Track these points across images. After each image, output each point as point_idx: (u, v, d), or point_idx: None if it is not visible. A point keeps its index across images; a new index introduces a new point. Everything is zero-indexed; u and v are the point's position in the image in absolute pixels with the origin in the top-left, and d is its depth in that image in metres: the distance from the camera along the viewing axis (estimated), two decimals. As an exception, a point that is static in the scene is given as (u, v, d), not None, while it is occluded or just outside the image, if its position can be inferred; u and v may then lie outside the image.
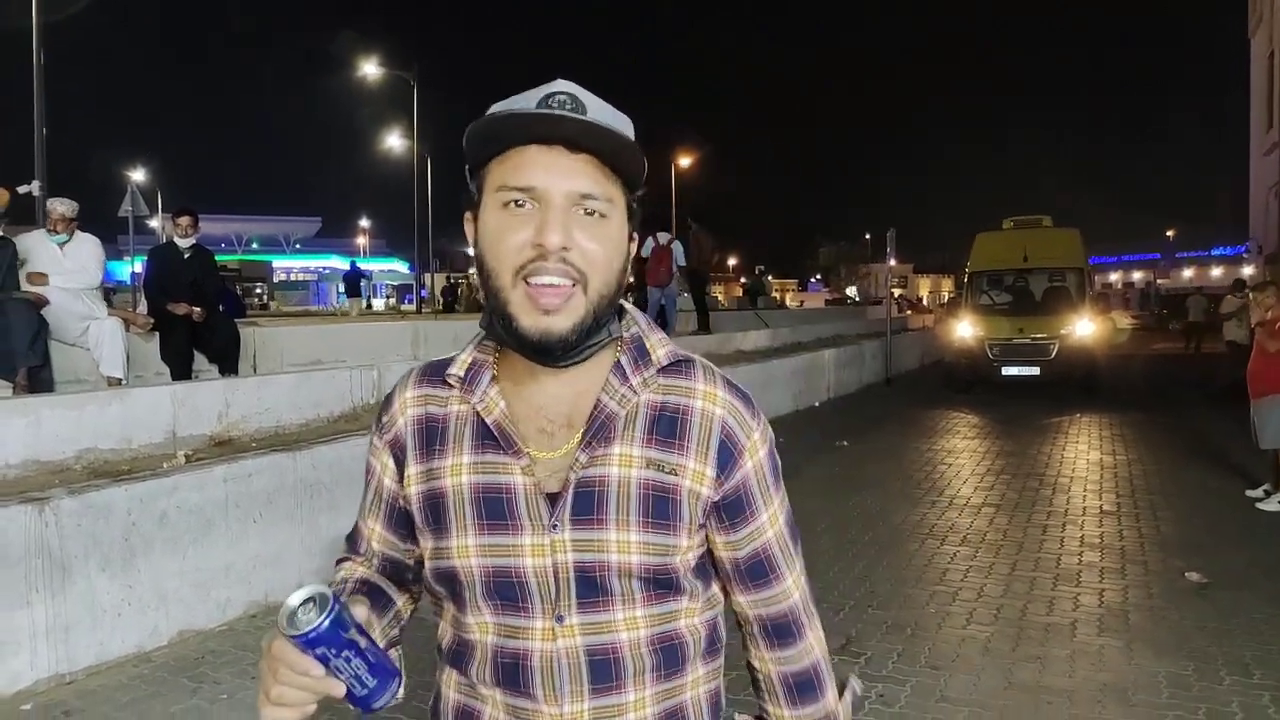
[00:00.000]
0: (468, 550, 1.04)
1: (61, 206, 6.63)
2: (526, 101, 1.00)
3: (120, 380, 6.43)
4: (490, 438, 1.06)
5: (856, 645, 4.31)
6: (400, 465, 1.12)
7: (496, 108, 1.02)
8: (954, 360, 15.30)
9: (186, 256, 7.70)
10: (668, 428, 1.06)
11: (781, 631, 1.16)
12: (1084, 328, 13.87)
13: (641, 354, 1.08)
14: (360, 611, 0.95)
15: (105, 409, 5.19)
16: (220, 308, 8.01)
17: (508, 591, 1.04)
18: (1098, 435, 10.52)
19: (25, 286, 6.18)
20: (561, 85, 1.01)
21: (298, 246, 71.39)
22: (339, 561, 1.24)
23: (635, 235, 1.08)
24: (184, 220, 7.82)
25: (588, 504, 1.02)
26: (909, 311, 35.84)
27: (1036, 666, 4.05)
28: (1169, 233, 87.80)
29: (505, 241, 0.98)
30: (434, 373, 1.15)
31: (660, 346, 1.10)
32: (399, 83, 31.55)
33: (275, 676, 0.90)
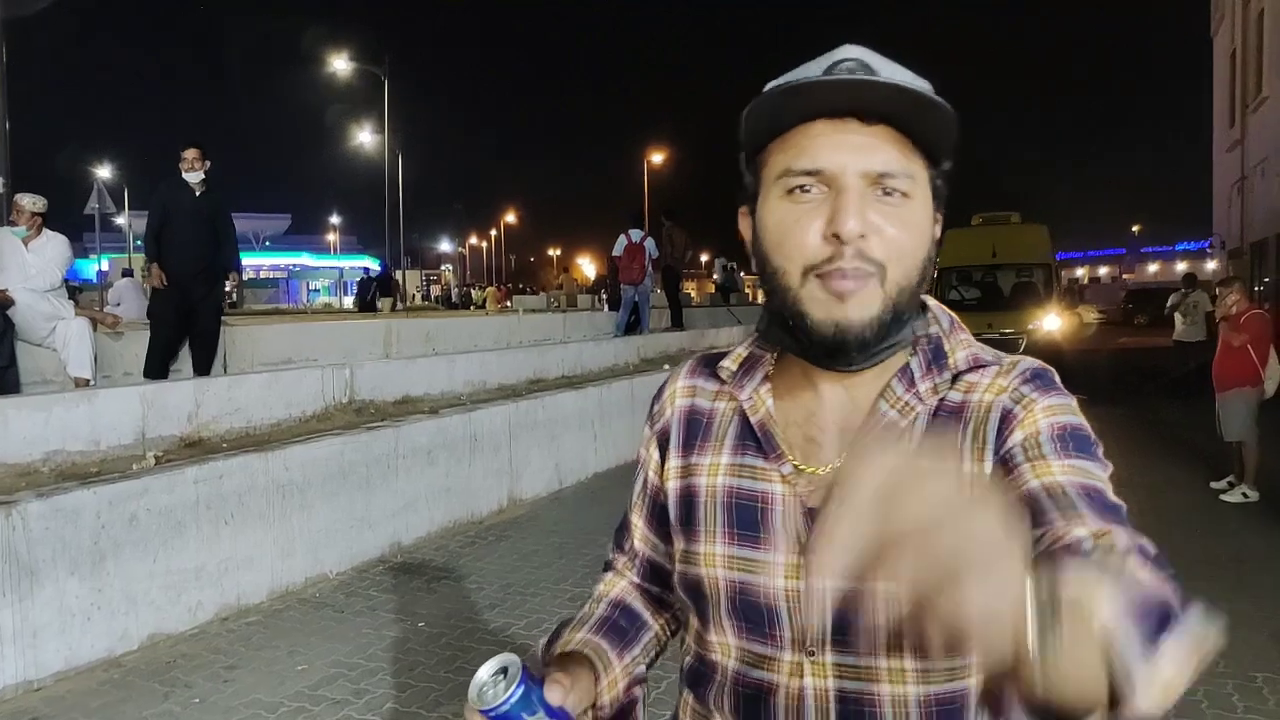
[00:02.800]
0: (715, 559, 0.95)
1: (27, 200, 6.52)
2: (807, 72, 0.87)
3: (88, 381, 6.36)
4: (752, 438, 0.96)
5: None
6: (663, 458, 1.05)
7: (773, 83, 0.88)
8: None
9: (198, 194, 7.29)
10: (940, 429, 0.90)
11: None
12: (1051, 323, 14.04)
13: (938, 356, 0.93)
14: (558, 693, 0.85)
15: (73, 410, 5.13)
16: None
17: (754, 613, 0.92)
18: (1066, 429, 10.64)
19: None
20: (850, 50, 0.87)
21: (267, 244, 70.67)
22: (605, 566, 1.17)
23: (940, 216, 0.93)
24: (190, 153, 7.26)
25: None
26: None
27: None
28: (1135, 228, 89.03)
29: (792, 235, 0.86)
30: (707, 365, 1.07)
31: (961, 349, 0.94)
32: (370, 77, 31.36)
33: None
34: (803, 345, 0.91)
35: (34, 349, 6.39)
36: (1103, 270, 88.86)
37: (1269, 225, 19.59)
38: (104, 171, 40.25)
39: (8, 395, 5.52)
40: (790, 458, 0.94)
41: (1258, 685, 3.80)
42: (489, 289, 40.70)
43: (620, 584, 1.13)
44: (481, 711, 0.83)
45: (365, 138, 37.48)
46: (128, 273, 15.55)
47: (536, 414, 7.44)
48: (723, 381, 1.03)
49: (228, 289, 7.83)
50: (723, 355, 1.05)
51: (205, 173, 7.33)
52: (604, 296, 23.34)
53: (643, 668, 1.08)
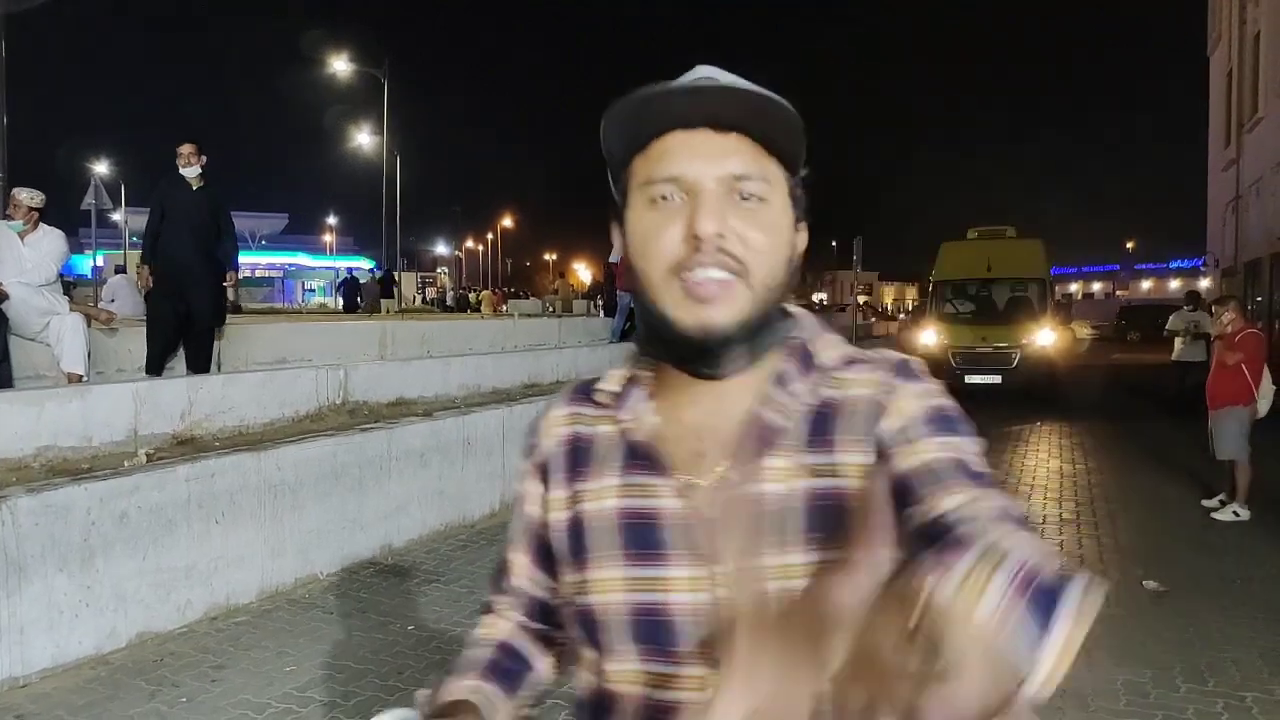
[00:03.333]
0: (611, 585, 0.93)
1: (25, 195, 6.51)
2: (663, 87, 0.89)
3: (81, 376, 6.32)
4: (638, 457, 0.95)
5: (821, 651, 4.33)
6: (545, 489, 1.03)
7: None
8: (918, 368, 15.44)
9: (195, 189, 7.23)
10: (819, 425, 0.91)
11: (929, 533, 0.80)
12: (1045, 337, 14.08)
13: (807, 359, 0.95)
14: None
15: (65, 406, 5.10)
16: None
17: (656, 633, 0.90)
18: (1058, 444, 10.67)
19: None
20: (702, 70, 0.91)
21: (263, 243, 70.57)
22: (484, 608, 1.13)
23: (803, 224, 0.95)
24: (186, 148, 7.20)
25: (745, 528, 0.89)
26: (874, 319, 36.18)
27: (997, 673, 4.09)
28: (1129, 244, 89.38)
29: (656, 241, 0.88)
30: (584, 391, 1.06)
31: (829, 349, 0.96)
32: (369, 79, 31.35)
33: None
34: (671, 349, 0.93)
35: (27, 344, 6.36)
36: (1096, 286, 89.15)
37: (1263, 245, 19.68)
38: (101, 167, 40.20)
39: (1, 390, 5.49)
40: (678, 471, 0.93)
41: (1247, 705, 3.80)
42: (484, 293, 40.69)
43: (502, 625, 1.10)
44: None
45: (364, 139, 37.46)
46: (121, 269, 15.51)
47: (530, 418, 7.41)
48: (602, 405, 1.02)
49: (226, 286, 7.69)
50: (600, 380, 1.05)
51: (202, 168, 7.27)
52: (600, 302, 23.34)
53: (529, 709, 1.06)
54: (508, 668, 1.05)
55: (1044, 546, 0.68)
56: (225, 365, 8.02)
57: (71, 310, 6.61)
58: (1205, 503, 7.28)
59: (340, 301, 27.60)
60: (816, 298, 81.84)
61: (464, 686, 1.00)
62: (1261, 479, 7.08)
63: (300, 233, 76.31)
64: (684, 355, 0.92)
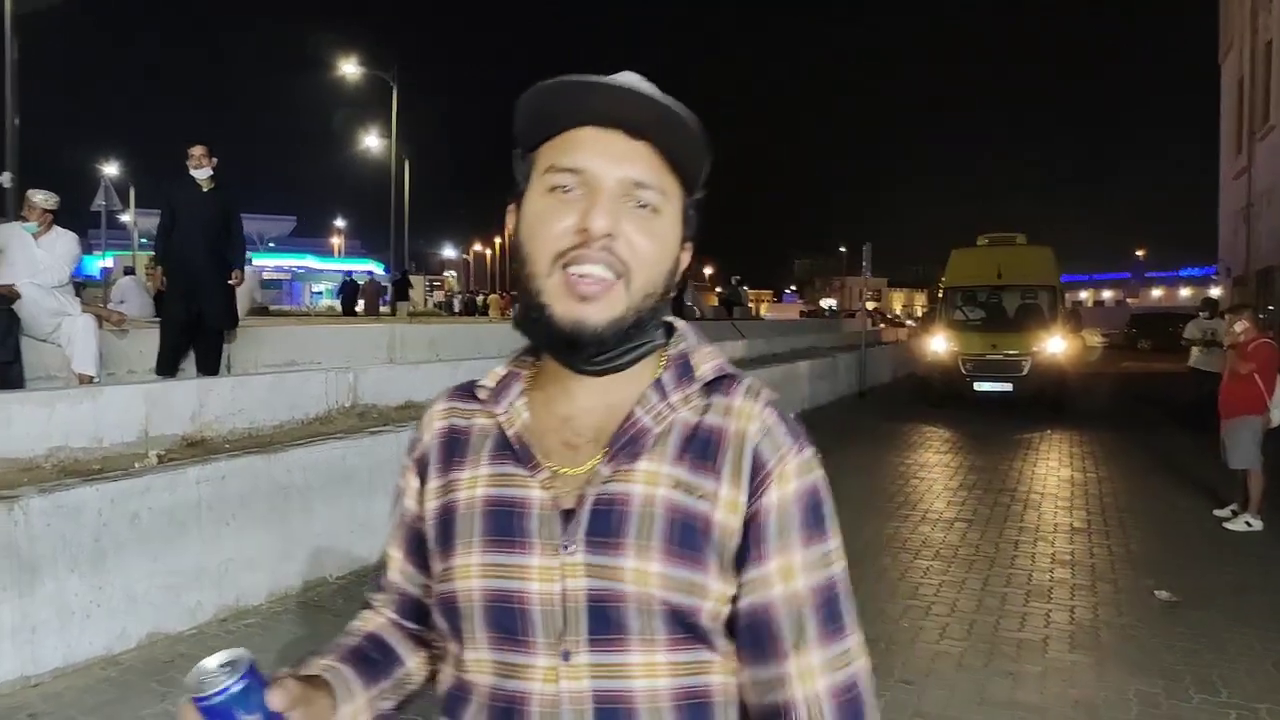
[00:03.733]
0: (469, 570, 0.93)
1: (40, 197, 6.53)
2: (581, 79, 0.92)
3: (92, 377, 6.34)
4: (509, 449, 0.98)
5: (831, 658, 4.32)
6: (423, 484, 1.04)
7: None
8: (928, 375, 15.41)
9: (205, 190, 7.24)
10: (701, 448, 0.93)
11: None
12: (1056, 345, 14.02)
13: (685, 370, 0.98)
14: (281, 697, 0.82)
15: (77, 407, 5.12)
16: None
17: (508, 620, 0.91)
18: (1068, 452, 10.63)
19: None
20: (627, 76, 0.92)
21: (271, 245, 70.72)
22: (363, 604, 1.15)
23: (690, 245, 0.99)
24: (197, 150, 7.23)
25: (605, 524, 0.90)
26: (883, 325, 36.11)
27: (1009, 682, 4.08)
28: (1139, 252, 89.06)
29: (547, 226, 0.90)
30: (464, 388, 1.09)
31: (705, 361, 0.99)
32: (378, 82, 31.45)
33: None
34: (543, 337, 0.95)
35: (39, 344, 6.37)
36: (1107, 294, 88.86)
37: (1275, 253, 19.60)
38: (110, 169, 40.34)
39: (12, 390, 5.50)
40: (547, 464, 0.96)
41: (1261, 716, 3.77)
42: (492, 296, 40.73)
43: (376, 620, 1.10)
44: (195, 699, 0.79)
45: (372, 142, 37.54)
46: (129, 270, 15.54)
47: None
48: (479, 400, 1.04)
49: (232, 283, 7.58)
50: (481, 378, 1.08)
51: (213, 169, 7.30)
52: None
53: (390, 704, 1.05)
54: (371, 657, 1.04)
55: None
56: (235, 368, 8.03)
57: (83, 311, 6.63)
58: (1217, 512, 7.24)
59: (351, 302, 27.80)
60: (825, 304, 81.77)
61: (320, 664, 0.99)
62: (1274, 489, 7.05)
63: (308, 235, 76.49)
64: (554, 343, 0.94)
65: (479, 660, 0.94)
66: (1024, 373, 13.94)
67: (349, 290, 28.68)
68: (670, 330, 1.03)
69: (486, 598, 0.92)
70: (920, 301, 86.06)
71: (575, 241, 0.89)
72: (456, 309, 39.99)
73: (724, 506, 0.91)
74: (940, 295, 16.16)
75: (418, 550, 1.05)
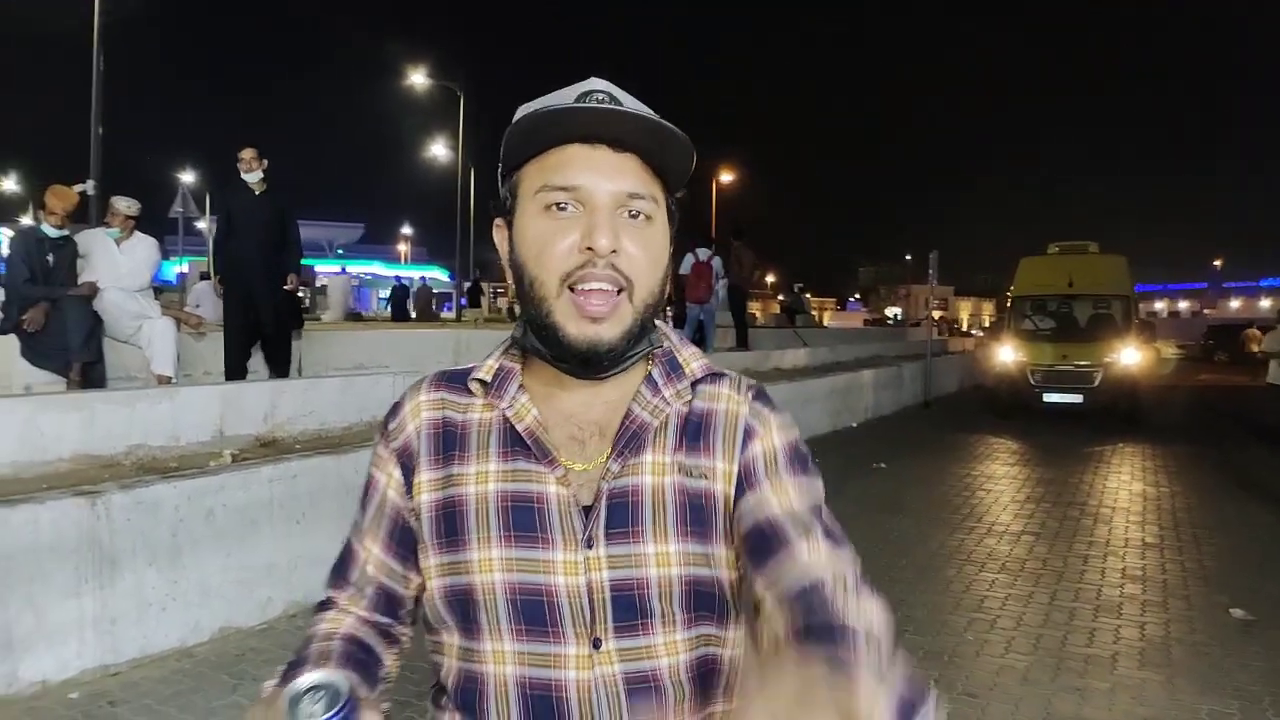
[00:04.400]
0: (490, 564, 0.96)
1: (123, 204, 6.79)
2: (561, 99, 0.95)
3: (170, 378, 6.56)
4: (520, 445, 1.00)
5: (892, 669, 4.27)
6: (408, 475, 1.04)
7: (527, 106, 0.97)
8: (995, 385, 15.14)
9: (259, 193, 7.24)
10: (694, 431, 1.01)
11: (805, 602, 0.87)
12: (1129, 356, 13.68)
13: (674, 367, 1.05)
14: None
15: (155, 406, 5.29)
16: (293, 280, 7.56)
17: (536, 613, 0.95)
18: (1141, 466, 10.37)
19: (82, 279, 6.34)
20: (598, 83, 0.97)
21: (340, 252, 72.10)
22: (320, 606, 1.11)
23: (673, 241, 1.03)
24: (247, 153, 7.19)
25: (622, 516, 0.96)
26: (948, 334, 35.57)
27: (1076, 698, 3.99)
28: (1216, 262, 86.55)
29: (551, 247, 0.93)
30: (452, 379, 1.08)
31: (694, 360, 1.06)
32: (445, 91, 31.95)
33: None
34: (557, 355, 0.98)
35: (120, 346, 6.61)
36: (1183, 304, 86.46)
37: (1362, 263, 18.87)
38: (188, 177, 41.52)
39: (95, 390, 5.71)
40: (561, 460, 0.99)
41: (1342, 739, 3.65)
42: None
43: (347, 620, 1.08)
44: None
45: (439, 150, 38.12)
46: (205, 276, 16.01)
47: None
48: (472, 394, 1.06)
49: (288, 288, 7.59)
50: (464, 370, 1.08)
51: (264, 172, 7.28)
52: (669, 314, 23.40)
53: (385, 705, 1.05)
54: (361, 659, 1.04)
55: (887, 622, 0.88)
56: (306, 371, 8.23)
57: (163, 315, 6.86)
58: (1298, 530, 7.01)
59: (412, 309, 28.08)
60: (890, 312, 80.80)
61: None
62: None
63: (376, 242, 77.80)
64: (567, 360, 0.98)
65: (499, 651, 0.96)
66: (1095, 384, 13.62)
67: (399, 296, 28.64)
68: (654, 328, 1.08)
69: (511, 591, 0.95)
70: (988, 310, 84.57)
71: (581, 261, 0.92)
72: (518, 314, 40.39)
73: (722, 479, 0.99)
74: (1008, 305, 15.85)
75: (401, 542, 1.06)
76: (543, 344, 0.98)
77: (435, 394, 1.07)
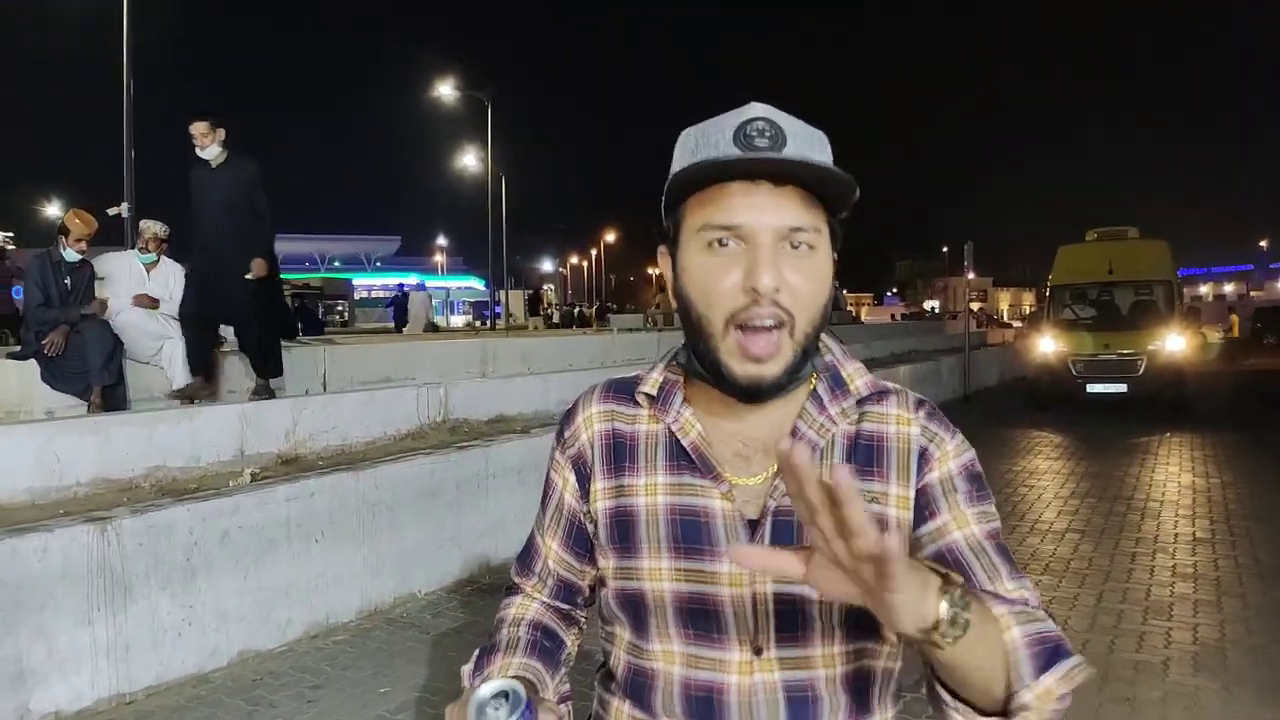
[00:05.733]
0: (660, 573, 1.03)
1: (155, 227, 6.81)
2: (721, 131, 0.97)
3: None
4: (686, 459, 1.05)
5: (930, 680, 4.09)
6: (584, 481, 1.11)
7: (690, 134, 1.00)
8: (1035, 377, 14.80)
9: (215, 166, 6.31)
10: (865, 455, 1.03)
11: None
12: (1174, 343, 13.30)
13: (838, 383, 1.07)
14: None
15: (175, 427, 5.25)
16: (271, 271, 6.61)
17: (702, 620, 1.01)
18: (1189, 456, 10.04)
19: (98, 295, 6.33)
20: (758, 110, 0.98)
21: (378, 265, 72.82)
22: (509, 590, 1.23)
23: (837, 254, 1.04)
24: (197, 128, 6.24)
25: (787, 534, 0.99)
26: (987, 326, 35.04)
27: (1126, 709, 3.79)
28: (1262, 242, 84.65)
29: (716, 286, 0.96)
30: (619, 390, 1.14)
31: (858, 376, 1.08)
32: (474, 102, 32.06)
33: None
34: (722, 385, 1.00)
35: (141, 367, 6.59)
36: (1228, 287, 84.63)
37: None
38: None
39: (114, 413, 5.68)
40: (725, 475, 1.03)
41: None
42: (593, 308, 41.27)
43: (533, 606, 1.19)
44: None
45: (470, 161, 38.27)
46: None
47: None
48: (639, 405, 1.11)
49: (250, 276, 6.40)
50: (632, 380, 1.14)
51: (222, 145, 6.37)
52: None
53: (568, 685, 1.13)
54: (546, 646, 1.12)
55: (1059, 633, 0.90)
56: (331, 385, 8.19)
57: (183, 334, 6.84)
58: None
59: (444, 320, 27.79)
60: (927, 305, 79.96)
61: (517, 663, 1.07)
62: None
63: (412, 254, 78.48)
64: (733, 393, 1.00)
65: (668, 651, 1.03)
66: (1139, 373, 13.26)
67: (399, 304, 27.17)
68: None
69: (679, 599, 1.02)
70: (1028, 301, 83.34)
71: (746, 302, 0.94)
72: (555, 320, 40.48)
73: (895, 503, 1.02)
74: (1048, 294, 15.49)
75: (578, 541, 1.14)
76: (707, 372, 1.01)
77: (605, 405, 1.14)
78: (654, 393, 1.10)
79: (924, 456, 1.03)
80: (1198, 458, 9.95)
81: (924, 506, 1.02)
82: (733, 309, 0.95)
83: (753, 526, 1.01)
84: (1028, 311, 53.86)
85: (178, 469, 5.18)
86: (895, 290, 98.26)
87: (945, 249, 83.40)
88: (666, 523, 1.03)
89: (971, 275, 18.92)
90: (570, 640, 1.20)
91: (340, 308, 48.58)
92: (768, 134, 0.95)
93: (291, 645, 4.52)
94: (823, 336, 1.07)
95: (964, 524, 1.00)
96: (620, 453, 1.09)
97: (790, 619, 0.99)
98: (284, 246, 68.71)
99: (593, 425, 1.12)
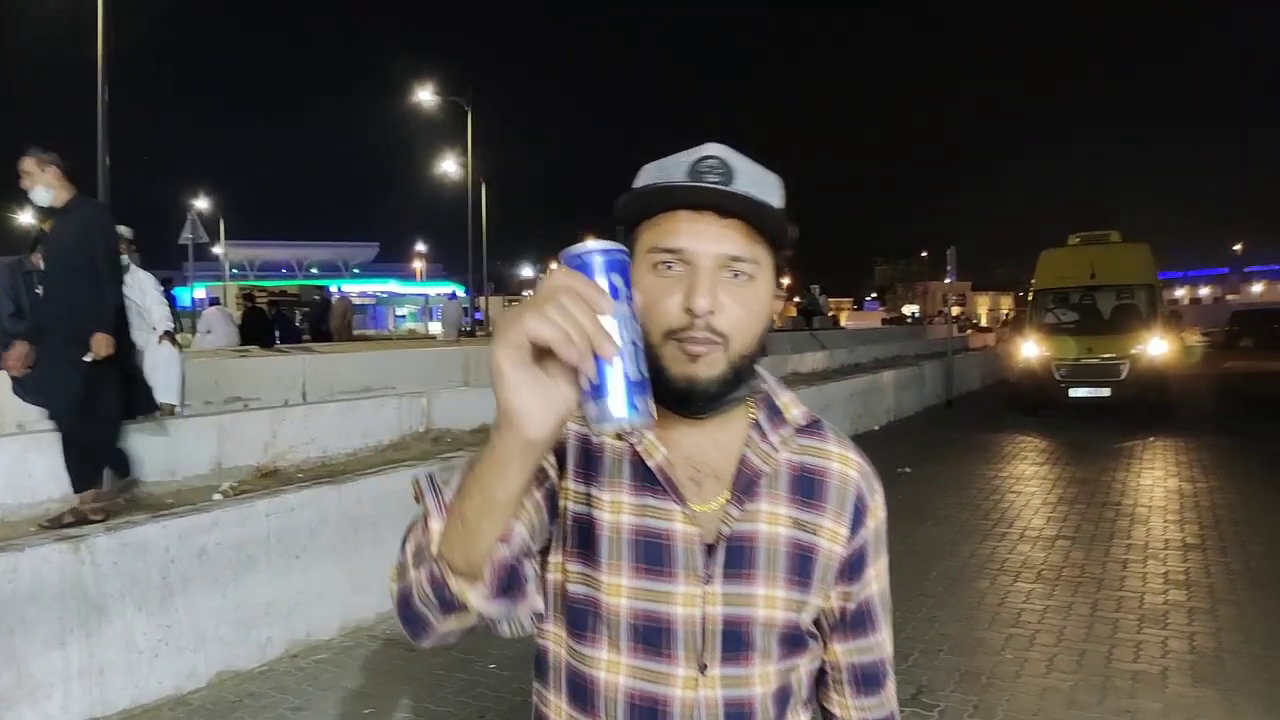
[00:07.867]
0: (619, 589, 1.06)
1: (121, 230, 6.63)
2: (677, 165, 1.03)
3: (174, 407, 6.37)
4: (650, 480, 1.08)
5: (928, 696, 4.02)
6: (560, 470, 1.11)
7: (649, 169, 1.07)
8: (1018, 382, 14.80)
9: (56, 212, 4.96)
10: (808, 488, 1.11)
11: (869, 681, 1.18)
12: (1156, 347, 13.33)
13: (774, 412, 1.13)
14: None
15: (150, 440, 5.11)
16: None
17: (653, 637, 1.05)
18: (1174, 461, 10.04)
19: None
20: (713, 150, 1.04)
21: (356, 271, 72.33)
22: None
23: (782, 287, 1.11)
24: (25, 164, 4.88)
25: (739, 559, 1.06)
26: (969, 331, 35.14)
27: (1127, 722, 3.73)
28: (1236, 246, 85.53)
29: (658, 303, 1.01)
30: None
31: (793, 406, 1.15)
32: (454, 108, 31.89)
33: (556, 295, 0.77)
34: (664, 400, 1.00)
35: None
36: (1204, 291, 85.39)
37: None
38: (201, 202, 41.68)
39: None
40: (688, 499, 1.07)
41: None
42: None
43: None
44: (575, 253, 0.83)
45: (450, 166, 38.06)
46: (214, 301, 15.92)
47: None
48: None
49: (88, 359, 4.78)
50: None
51: (61, 184, 4.96)
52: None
53: (527, 537, 1.00)
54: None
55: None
56: (310, 394, 8.05)
57: (163, 342, 6.69)
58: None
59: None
60: (907, 310, 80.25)
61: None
62: None
63: (391, 260, 78.00)
64: (669, 398, 1.03)
65: (613, 662, 1.06)
66: (1122, 377, 13.27)
67: (319, 309, 22.87)
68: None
69: (634, 616, 1.05)
70: (1006, 304, 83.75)
71: (684, 322, 1.00)
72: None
73: (828, 537, 1.10)
74: (1030, 299, 15.49)
75: (548, 498, 1.08)
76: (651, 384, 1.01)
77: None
78: None
79: (861, 504, 1.14)
80: (1183, 462, 9.95)
81: (859, 560, 1.14)
82: (671, 326, 1.00)
83: (709, 550, 1.06)
84: (1006, 315, 54.08)
85: (153, 483, 5.06)
86: (875, 295, 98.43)
87: (924, 253, 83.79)
88: (630, 543, 1.06)
89: (950, 280, 18.93)
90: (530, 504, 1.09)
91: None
92: (719, 170, 1.01)
93: (272, 665, 4.40)
94: (760, 370, 1.13)
95: (881, 576, 1.18)
96: (589, 461, 1.11)
97: (735, 640, 1.06)
98: (261, 253, 68.29)
99: (567, 424, 1.07)
